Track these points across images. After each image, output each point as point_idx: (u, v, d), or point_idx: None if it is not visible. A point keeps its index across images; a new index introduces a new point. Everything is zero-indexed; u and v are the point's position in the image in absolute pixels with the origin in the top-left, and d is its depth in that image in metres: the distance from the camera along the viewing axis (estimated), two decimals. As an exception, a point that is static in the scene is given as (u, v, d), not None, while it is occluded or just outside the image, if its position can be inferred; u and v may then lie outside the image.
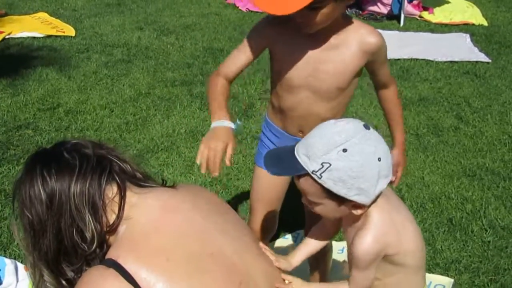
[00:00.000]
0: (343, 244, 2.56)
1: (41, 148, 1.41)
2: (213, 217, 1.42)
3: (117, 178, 1.35)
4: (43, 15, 6.11)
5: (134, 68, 4.80)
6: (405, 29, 6.25)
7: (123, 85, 4.42)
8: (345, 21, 1.74)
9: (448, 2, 6.78)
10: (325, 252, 2.14)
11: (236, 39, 5.53)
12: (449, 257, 2.56)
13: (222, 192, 3.00)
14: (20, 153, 3.33)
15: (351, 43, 1.73)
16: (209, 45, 5.45)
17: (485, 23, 6.41)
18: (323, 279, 2.25)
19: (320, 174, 1.28)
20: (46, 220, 1.30)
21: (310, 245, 1.60)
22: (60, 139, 3.45)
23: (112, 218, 1.31)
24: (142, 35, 5.70)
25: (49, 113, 3.90)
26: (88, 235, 1.29)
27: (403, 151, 2.03)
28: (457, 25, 6.31)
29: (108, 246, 1.31)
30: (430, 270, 2.49)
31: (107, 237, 1.32)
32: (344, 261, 2.52)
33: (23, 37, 5.45)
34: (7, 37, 5.43)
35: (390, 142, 1.93)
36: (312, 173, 1.29)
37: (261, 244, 1.49)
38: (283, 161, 1.37)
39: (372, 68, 1.83)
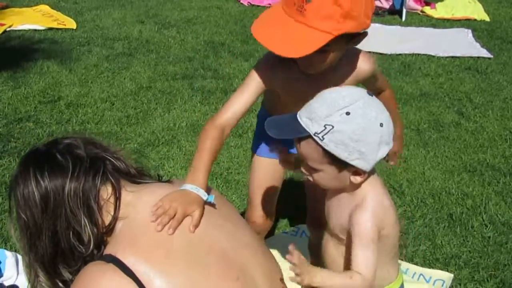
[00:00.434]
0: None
1: (34, 147, 1.40)
2: (210, 211, 1.42)
3: (111, 178, 1.34)
4: (44, 7, 6.09)
5: (135, 62, 4.79)
6: (407, 24, 6.23)
7: (124, 79, 4.42)
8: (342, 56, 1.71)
9: (450, -3, 6.77)
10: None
11: (238, 33, 5.47)
12: (449, 252, 2.56)
13: (222, 186, 3.00)
14: (21, 145, 3.33)
15: (347, 77, 1.75)
16: (210, 39, 5.44)
17: (487, 19, 6.40)
18: None
19: (322, 136, 1.28)
20: (41, 223, 1.30)
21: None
22: (60, 132, 3.48)
23: (108, 219, 1.32)
24: (143, 29, 5.69)
25: (50, 106, 3.90)
26: (85, 237, 1.29)
27: (401, 144, 2.06)
28: (459, 20, 6.29)
29: (106, 246, 1.31)
30: (430, 265, 2.49)
31: (105, 238, 1.32)
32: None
33: (24, 30, 5.44)
34: (8, 29, 5.43)
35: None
36: (314, 135, 1.29)
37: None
38: (285, 124, 1.37)
39: (366, 84, 1.84)
